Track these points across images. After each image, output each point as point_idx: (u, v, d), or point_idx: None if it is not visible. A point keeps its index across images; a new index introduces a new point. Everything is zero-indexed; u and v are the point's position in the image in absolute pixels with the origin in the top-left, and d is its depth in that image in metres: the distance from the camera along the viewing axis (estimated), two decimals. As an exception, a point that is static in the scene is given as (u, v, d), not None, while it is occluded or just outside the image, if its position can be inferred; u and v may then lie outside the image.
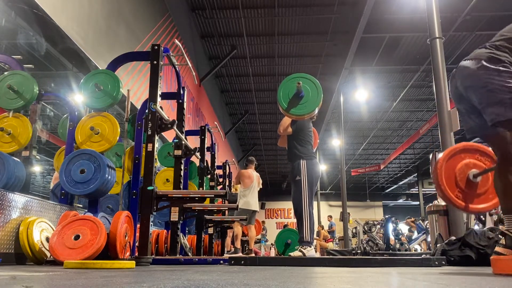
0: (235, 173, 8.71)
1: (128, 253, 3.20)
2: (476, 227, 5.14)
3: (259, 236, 11.26)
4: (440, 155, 2.95)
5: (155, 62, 3.48)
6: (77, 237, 2.77)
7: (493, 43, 2.12)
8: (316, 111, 3.82)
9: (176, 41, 4.11)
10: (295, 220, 4.10)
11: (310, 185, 3.91)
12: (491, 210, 3.12)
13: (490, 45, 2.11)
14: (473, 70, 2.08)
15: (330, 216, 17.07)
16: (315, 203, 5.05)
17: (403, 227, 13.47)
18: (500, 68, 2.01)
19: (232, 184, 7.17)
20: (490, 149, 2.64)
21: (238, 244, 6.59)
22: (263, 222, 16.89)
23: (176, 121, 3.84)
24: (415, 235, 12.41)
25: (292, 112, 3.72)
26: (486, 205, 2.78)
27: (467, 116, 2.24)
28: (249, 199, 6.81)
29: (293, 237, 7.12)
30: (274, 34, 11.20)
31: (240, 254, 6.40)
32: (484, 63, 2.05)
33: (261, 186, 7.26)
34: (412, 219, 12.50)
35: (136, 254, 3.19)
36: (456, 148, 2.90)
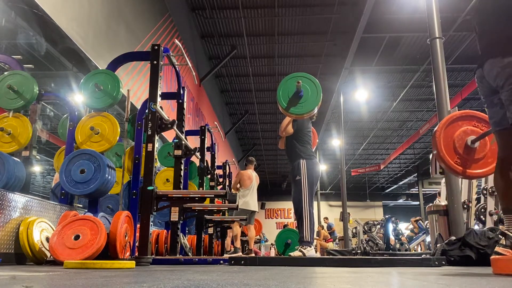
0: (235, 173, 8.72)
1: (128, 253, 3.20)
2: (476, 227, 5.14)
3: (259, 236, 11.24)
4: (437, 126, 2.99)
5: (155, 62, 3.48)
6: (77, 237, 2.77)
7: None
8: (316, 110, 3.83)
9: (176, 41, 4.11)
10: (294, 220, 4.10)
11: (310, 185, 3.91)
12: (487, 176, 3.17)
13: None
14: (501, 68, 2.03)
15: (326, 218, 17.06)
16: (315, 203, 5.04)
17: (404, 228, 13.44)
18: None
19: (233, 184, 7.15)
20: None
21: (238, 244, 6.59)
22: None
23: (176, 121, 3.84)
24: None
25: (291, 111, 3.74)
26: (485, 170, 2.84)
27: (500, 106, 2.14)
28: (249, 199, 6.81)
29: (293, 237, 7.12)
30: (274, 34, 11.20)
31: (240, 254, 6.40)
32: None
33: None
34: (417, 218, 12.44)
35: (136, 254, 3.19)
36: (453, 116, 2.97)
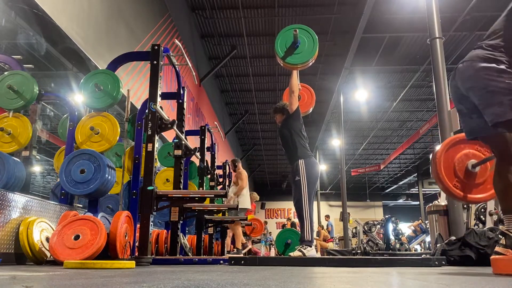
0: (234, 173, 8.70)
1: (128, 253, 3.20)
2: (476, 227, 5.14)
3: (260, 236, 11.24)
4: (438, 146, 2.97)
5: (155, 62, 3.48)
6: (77, 237, 2.77)
7: (489, 42, 2.13)
8: (310, 62, 3.92)
9: (176, 41, 4.11)
10: (293, 221, 4.10)
11: (310, 185, 3.91)
12: (487, 201, 3.15)
13: (486, 45, 2.12)
14: (473, 71, 2.09)
15: (328, 216, 17.02)
16: (315, 203, 5.05)
17: (404, 228, 13.41)
18: (499, 68, 2.02)
19: (233, 183, 7.12)
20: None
21: (239, 245, 6.59)
22: (265, 222, 16.89)
23: (176, 121, 3.84)
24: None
25: (287, 61, 3.85)
26: (484, 195, 2.79)
27: (469, 116, 2.24)
28: (246, 197, 6.84)
29: (293, 237, 7.12)
30: (274, 34, 11.20)
31: (241, 254, 6.41)
32: (483, 64, 2.06)
33: None
34: (417, 222, 12.38)
35: (136, 254, 3.19)
36: (455, 138, 2.92)
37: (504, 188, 2.03)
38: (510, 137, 1.98)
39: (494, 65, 2.04)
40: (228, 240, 6.85)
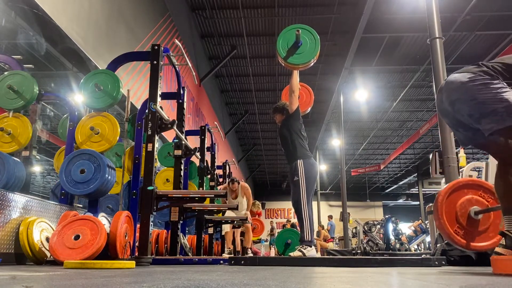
0: (235, 173, 8.71)
1: (128, 253, 3.20)
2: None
3: (260, 236, 11.25)
4: (442, 189, 2.89)
5: (155, 62, 3.48)
6: (77, 237, 2.77)
7: (488, 62, 2.16)
8: (312, 63, 3.92)
9: (176, 41, 4.11)
10: (292, 222, 4.10)
11: (308, 185, 3.91)
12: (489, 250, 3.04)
13: (483, 63, 2.15)
14: (461, 83, 2.11)
15: (331, 216, 17.02)
16: (315, 203, 5.04)
17: (404, 228, 13.42)
18: (488, 81, 2.05)
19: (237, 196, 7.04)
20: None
21: (248, 244, 6.65)
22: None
23: (176, 121, 3.84)
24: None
25: (289, 61, 3.85)
26: (487, 244, 2.70)
27: (455, 129, 2.29)
28: (244, 207, 6.84)
29: (293, 237, 7.12)
30: (274, 34, 11.20)
31: (250, 254, 6.46)
32: (472, 76, 2.09)
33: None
34: (417, 222, 12.38)
35: (136, 254, 3.19)
36: (459, 183, 2.84)
37: (504, 188, 2.03)
38: (509, 142, 1.99)
39: (483, 77, 2.07)
40: (238, 239, 6.83)
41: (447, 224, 2.71)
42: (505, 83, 2.05)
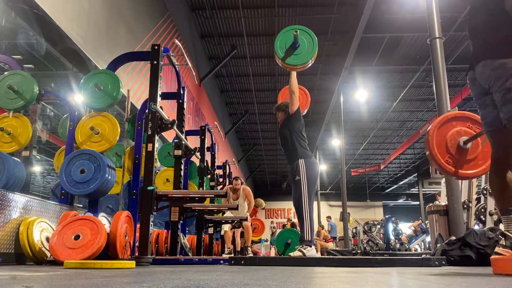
0: (235, 173, 8.71)
1: (128, 253, 3.20)
2: (476, 227, 5.14)
3: (261, 236, 11.26)
4: (431, 125, 3.01)
5: (155, 62, 3.48)
6: (77, 237, 2.77)
7: None
8: (310, 63, 3.91)
9: (176, 41, 4.10)
10: (293, 221, 4.10)
11: (309, 184, 3.91)
12: (478, 177, 3.21)
13: None
14: (498, 64, 2.03)
15: (329, 217, 17.03)
16: (315, 203, 5.03)
17: (404, 228, 13.42)
18: None
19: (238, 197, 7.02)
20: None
21: (248, 243, 6.66)
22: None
23: (176, 121, 3.84)
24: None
25: (287, 62, 3.84)
26: (475, 171, 2.86)
27: (492, 106, 2.15)
28: (243, 208, 6.83)
29: (293, 237, 7.11)
30: (274, 34, 11.20)
31: (250, 254, 6.46)
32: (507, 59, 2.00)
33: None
34: (417, 222, 12.38)
35: (136, 254, 3.19)
36: (448, 116, 2.98)
37: (501, 188, 2.03)
38: None
39: None
40: (238, 239, 6.83)
41: (438, 155, 2.85)
42: None
